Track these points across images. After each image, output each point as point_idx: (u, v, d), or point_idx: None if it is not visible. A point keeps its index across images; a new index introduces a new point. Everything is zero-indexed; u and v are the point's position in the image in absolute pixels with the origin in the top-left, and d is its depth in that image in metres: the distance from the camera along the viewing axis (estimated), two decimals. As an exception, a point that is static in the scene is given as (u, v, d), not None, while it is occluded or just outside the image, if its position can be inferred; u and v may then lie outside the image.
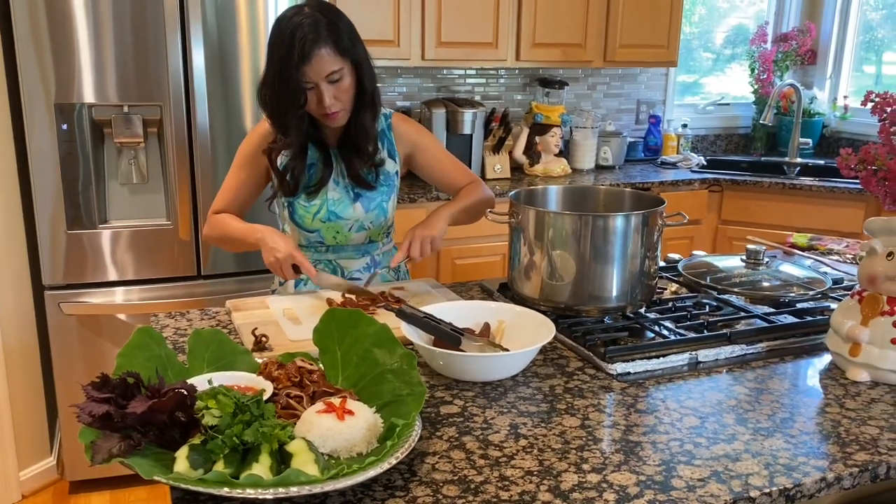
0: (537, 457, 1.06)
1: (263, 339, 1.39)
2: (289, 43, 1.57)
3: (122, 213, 2.52)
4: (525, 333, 1.36)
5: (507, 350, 1.32)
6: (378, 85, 1.76)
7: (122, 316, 2.53)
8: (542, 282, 1.53)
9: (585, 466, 1.03)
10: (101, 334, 2.51)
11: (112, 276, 2.50)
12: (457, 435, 1.11)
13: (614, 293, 1.51)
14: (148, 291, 2.54)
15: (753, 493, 0.98)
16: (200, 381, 1.10)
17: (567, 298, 1.52)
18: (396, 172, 1.86)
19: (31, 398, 2.57)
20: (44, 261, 2.43)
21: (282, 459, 1.00)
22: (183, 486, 0.91)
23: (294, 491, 0.90)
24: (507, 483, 0.99)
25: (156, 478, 0.92)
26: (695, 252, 1.97)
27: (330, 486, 0.92)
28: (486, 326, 1.39)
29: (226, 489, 0.90)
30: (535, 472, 1.02)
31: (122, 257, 2.50)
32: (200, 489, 0.90)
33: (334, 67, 1.62)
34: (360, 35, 1.69)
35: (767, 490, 0.99)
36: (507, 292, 1.68)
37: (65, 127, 2.37)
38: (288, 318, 1.51)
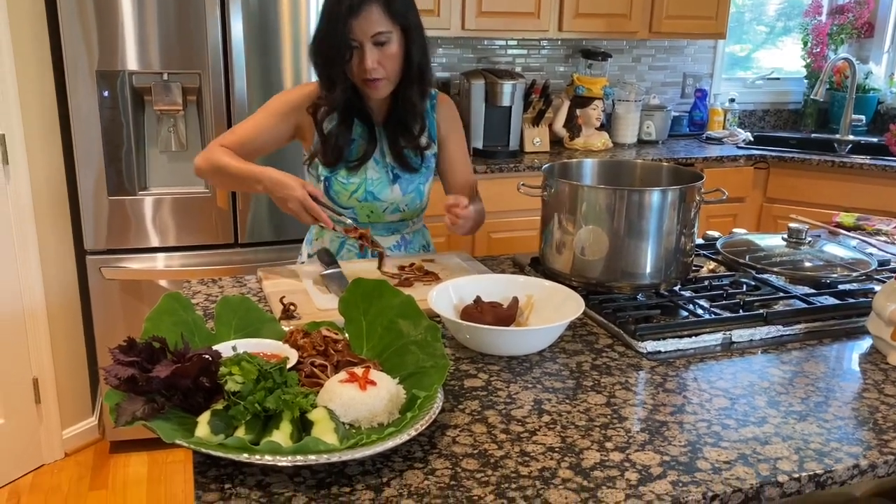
0: (560, 433, 1.04)
1: (291, 307, 1.39)
2: None
3: (162, 181, 2.55)
4: (554, 309, 1.34)
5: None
6: (430, 62, 1.71)
7: (162, 282, 2.57)
8: (573, 257, 1.50)
9: (609, 445, 1.02)
10: (141, 299, 2.55)
11: (151, 242, 2.54)
12: (479, 409, 1.10)
13: (648, 270, 1.48)
14: (186, 258, 2.58)
15: (782, 478, 0.95)
16: (225, 348, 1.11)
17: (599, 274, 1.49)
18: (434, 154, 1.83)
19: (73, 360, 2.64)
20: (86, 226, 2.48)
21: (303, 427, 1.00)
22: (203, 450, 0.91)
23: (312, 459, 0.90)
24: (527, 459, 0.98)
25: (177, 441, 0.93)
26: (735, 230, 1.92)
27: (348, 456, 0.92)
28: (515, 301, 1.37)
29: (245, 455, 0.90)
30: (557, 449, 1.00)
31: (161, 224, 2.53)
32: (220, 454, 0.91)
33: (381, 28, 1.58)
34: (415, 4, 1.65)
35: (797, 475, 0.96)
36: (539, 267, 1.66)
37: (106, 94, 2.39)
38: (317, 287, 1.52)
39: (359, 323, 1.21)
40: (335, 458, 0.91)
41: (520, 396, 1.14)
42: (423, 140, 1.76)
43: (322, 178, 1.75)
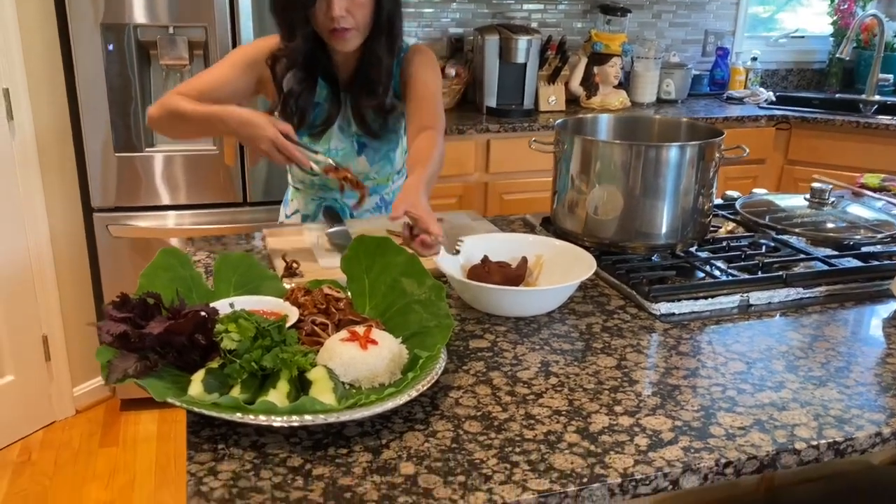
0: (567, 396, 1.00)
1: (294, 265, 1.35)
2: None
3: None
4: (565, 269, 1.29)
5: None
6: (401, 10, 1.56)
7: (172, 240, 2.54)
8: (586, 216, 1.45)
9: (618, 409, 0.98)
10: (148, 257, 2.52)
11: (159, 200, 2.51)
12: (484, 370, 1.06)
13: (663, 230, 1.43)
14: (194, 217, 2.54)
15: (799, 445, 0.91)
16: (223, 305, 1.08)
17: (613, 234, 1.44)
18: (402, 115, 1.65)
19: (83, 318, 2.64)
20: (93, 183, 2.45)
21: (301, 387, 0.97)
22: (196, 409, 0.88)
23: (308, 419, 0.87)
24: (532, 422, 0.94)
25: (169, 400, 0.90)
26: (755, 190, 1.86)
27: (346, 416, 0.88)
28: (524, 261, 1.32)
29: (238, 414, 0.87)
30: (564, 412, 0.96)
31: (168, 182, 2.50)
32: (213, 413, 0.87)
33: None
34: None
35: (815, 442, 0.92)
36: (550, 227, 1.60)
37: (111, 47, 2.34)
38: (321, 246, 1.48)
39: (361, 281, 1.17)
40: (332, 418, 0.88)
41: (526, 358, 1.10)
42: (388, 101, 1.60)
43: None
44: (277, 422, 0.87)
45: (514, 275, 1.29)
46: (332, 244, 1.47)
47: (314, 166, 1.42)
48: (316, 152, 1.45)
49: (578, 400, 0.99)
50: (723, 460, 0.88)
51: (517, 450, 0.88)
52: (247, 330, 0.99)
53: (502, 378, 1.04)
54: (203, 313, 1.01)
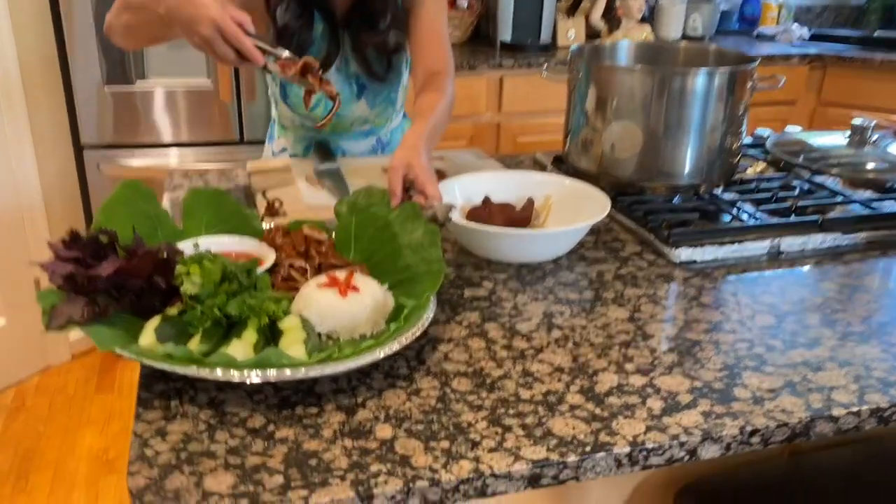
0: (571, 352, 0.88)
1: (276, 203, 1.23)
2: None
3: (161, 70, 2.37)
4: (575, 211, 1.16)
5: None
6: None
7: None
8: (602, 154, 1.31)
9: (629, 366, 0.86)
10: (144, 199, 2.42)
11: (152, 138, 2.39)
12: (479, 321, 0.95)
13: (686, 169, 1.29)
14: (188, 155, 2.42)
15: (837, 412, 0.79)
16: (187, 245, 0.96)
17: (631, 174, 1.30)
18: (407, 62, 1.51)
19: (78, 260, 2.55)
20: (82, 119, 2.33)
21: (273, 338, 0.86)
22: (145, 361, 0.77)
23: (272, 375, 0.76)
24: (530, 380, 0.82)
25: (117, 351, 0.79)
26: (788, 128, 1.70)
27: (316, 372, 0.77)
28: (530, 202, 1.19)
29: (194, 367, 0.76)
30: (566, 370, 0.85)
31: (161, 119, 2.37)
32: (164, 366, 0.76)
33: None
34: None
35: (855, 409, 0.80)
36: (562, 166, 1.47)
37: (98, -27, 2.20)
38: (310, 184, 1.35)
39: (348, 223, 1.05)
40: (300, 374, 0.76)
41: (528, 308, 0.98)
42: (392, 38, 1.43)
43: (277, 81, 1.49)
44: (236, 377, 0.76)
45: (518, 217, 1.17)
46: (321, 182, 1.34)
47: (270, 65, 1.09)
48: (274, 46, 1.10)
49: (584, 356, 0.88)
50: (748, 428, 0.76)
51: (511, 412, 0.77)
52: (211, 273, 0.88)
53: (499, 330, 0.93)
54: (161, 253, 0.90)
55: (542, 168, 1.52)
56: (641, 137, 1.27)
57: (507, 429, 0.75)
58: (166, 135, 2.39)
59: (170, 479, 0.68)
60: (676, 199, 1.32)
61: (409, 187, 1.08)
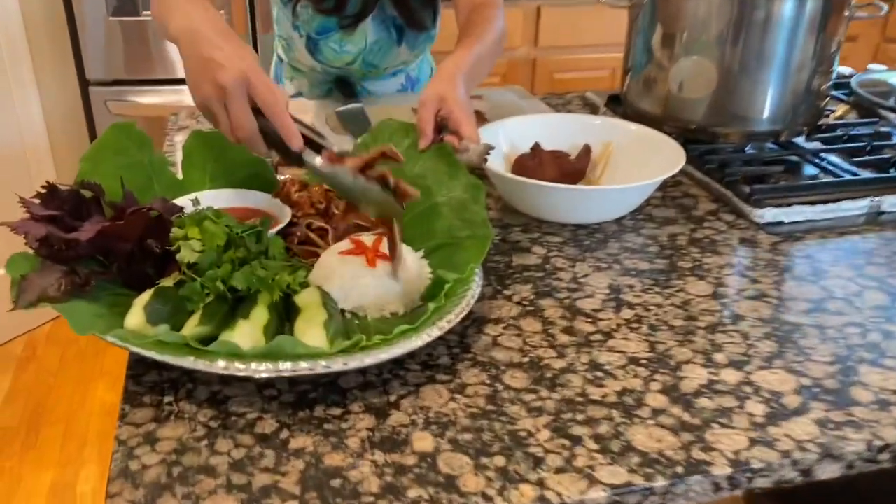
0: (647, 337, 0.73)
1: (293, 149, 1.07)
2: None
3: None
4: (639, 161, 1.00)
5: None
6: None
7: (179, 121, 2.27)
8: (668, 94, 1.14)
9: (718, 357, 0.70)
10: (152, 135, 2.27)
11: (162, 73, 2.22)
12: (532, 296, 0.79)
13: (766, 113, 1.11)
14: (202, 94, 2.26)
15: (985, 422, 0.64)
16: (187, 202, 0.81)
17: (701, 117, 1.12)
18: None
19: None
20: (87, 52, 2.16)
21: (287, 315, 0.72)
22: (132, 348, 0.63)
23: (286, 369, 0.61)
24: (599, 374, 0.67)
25: (99, 335, 0.65)
26: (871, 66, 1.50)
27: (339, 366, 0.62)
28: (587, 150, 1.03)
29: (191, 358, 0.62)
30: (644, 361, 0.70)
31: (171, 53, 2.20)
32: (155, 355, 0.62)
33: None
34: None
35: None
36: (618, 108, 1.29)
37: None
38: (331, 127, 1.19)
39: (374, 172, 0.89)
40: (319, 366, 0.62)
41: (590, 281, 0.82)
42: None
43: (304, 35, 1.27)
44: (242, 371, 0.61)
45: (573, 168, 1.00)
46: (344, 124, 1.18)
47: (307, 155, 0.75)
48: (322, 136, 0.78)
49: (663, 343, 0.72)
50: (877, 442, 0.61)
51: (579, 417, 0.62)
52: (214, 236, 0.73)
53: (557, 308, 0.77)
54: (155, 211, 0.75)
55: (594, 110, 1.34)
56: (715, 75, 1.09)
57: (577, 440, 0.60)
58: (177, 70, 2.22)
59: (158, 503, 0.54)
60: (749, 148, 1.14)
61: (441, 126, 0.91)
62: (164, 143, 1.17)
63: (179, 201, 0.82)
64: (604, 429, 0.61)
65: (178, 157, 1.08)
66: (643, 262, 0.87)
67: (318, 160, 0.75)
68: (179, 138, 1.19)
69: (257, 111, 0.75)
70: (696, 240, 0.92)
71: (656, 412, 0.63)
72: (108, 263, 0.75)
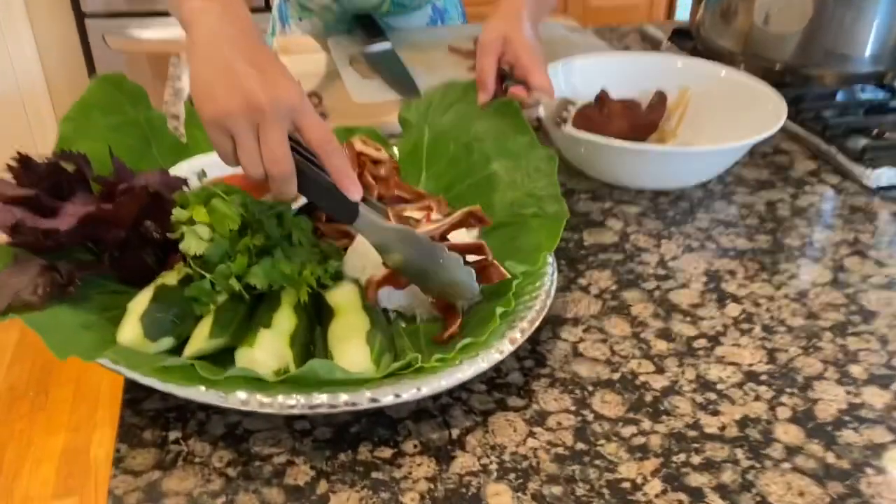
0: (763, 343, 0.59)
1: (314, 99, 0.92)
2: None
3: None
4: (725, 112, 0.84)
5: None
6: None
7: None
8: (751, 26, 0.97)
9: (855, 370, 0.56)
10: (158, 75, 2.10)
11: (164, 4, 2.04)
12: (614, 287, 0.65)
13: (869, 51, 0.94)
14: (208, 27, 2.08)
15: None
16: (191, 172, 0.67)
17: (790, 56, 0.96)
18: None
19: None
20: (80, -19, 1.98)
21: (318, 318, 0.58)
22: (126, 375, 0.50)
23: (321, 404, 0.48)
24: (711, 398, 0.54)
25: (84, 358, 0.51)
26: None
27: (388, 398, 0.49)
28: (662, 99, 0.86)
29: (201, 388, 0.49)
30: (763, 377, 0.56)
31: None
32: (156, 384, 0.49)
33: None
34: None
35: None
36: (687, 43, 1.12)
37: None
38: (356, 71, 1.03)
39: (419, 133, 0.74)
40: (364, 402, 0.48)
41: (681, 265, 0.68)
42: None
43: None
44: (265, 406, 0.48)
45: (646, 120, 0.84)
46: (374, 67, 1.02)
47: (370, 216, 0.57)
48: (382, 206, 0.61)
49: (783, 350, 0.58)
50: None
51: (695, 460, 0.49)
52: (225, 219, 0.59)
53: (646, 302, 0.63)
54: (155, 188, 0.61)
55: (656, 45, 1.17)
56: (810, 4, 0.92)
57: (697, 495, 0.47)
58: (180, 1, 2.04)
59: (164, 592, 0.42)
60: (840, 95, 0.98)
61: (505, 75, 0.75)
62: (166, 92, 1.02)
63: (181, 171, 0.67)
64: (728, 476, 0.48)
65: (182, 109, 0.93)
66: (742, 238, 0.72)
67: (373, 216, 0.56)
68: (182, 83, 1.04)
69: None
70: (800, 209, 0.77)
71: (791, 451, 0.50)
72: (98, 252, 0.62)
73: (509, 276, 0.57)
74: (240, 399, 0.48)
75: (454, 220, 0.59)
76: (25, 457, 1.69)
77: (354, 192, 0.55)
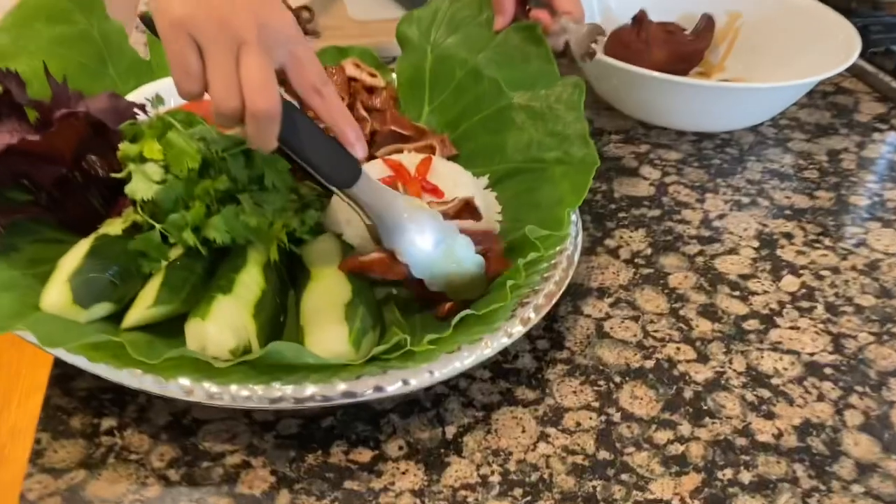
0: (827, 327, 0.49)
1: (304, 13, 0.79)
2: None
3: None
4: (781, 41, 0.71)
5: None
6: None
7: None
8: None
9: (939, 365, 0.46)
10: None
11: None
12: (648, 251, 0.55)
13: (952, -27, 0.80)
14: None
15: None
16: (144, 100, 0.56)
17: (857, -23, 0.82)
18: None
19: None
20: None
21: (292, 282, 0.48)
22: (48, 350, 0.41)
23: (285, 396, 0.39)
24: (764, 395, 0.44)
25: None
26: None
27: (367, 391, 0.39)
28: (709, 24, 0.74)
29: (137, 371, 0.39)
30: (828, 370, 0.46)
31: None
32: (83, 363, 0.40)
33: None
34: None
35: None
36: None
37: None
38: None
39: (421, 55, 0.63)
40: (336, 396, 0.39)
41: (729, 226, 0.57)
42: None
43: None
44: (214, 397, 0.39)
45: (689, 49, 0.72)
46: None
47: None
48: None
49: (851, 335, 0.48)
50: None
51: (745, 477, 0.40)
52: (183, 156, 0.49)
53: (687, 273, 0.53)
54: (98, 116, 0.50)
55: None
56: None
57: (749, 526, 0.37)
58: None
59: None
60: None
61: None
62: (139, 4, 0.90)
63: (137, 97, 0.57)
64: (785, 500, 0.39)
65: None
66: (798, 193, 0.61)
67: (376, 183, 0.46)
68: None
69: None
70: (868, 161, 0.65)
71: (863, 469, 0.40)
72: (35, 192, 0.52)
73: (511, 265, 0.46)
74: (182, 388, 0.39)
75: (447, 210, 0.48)
76: (14, 388, 1.64)
77: (359, 148, 0.44)
